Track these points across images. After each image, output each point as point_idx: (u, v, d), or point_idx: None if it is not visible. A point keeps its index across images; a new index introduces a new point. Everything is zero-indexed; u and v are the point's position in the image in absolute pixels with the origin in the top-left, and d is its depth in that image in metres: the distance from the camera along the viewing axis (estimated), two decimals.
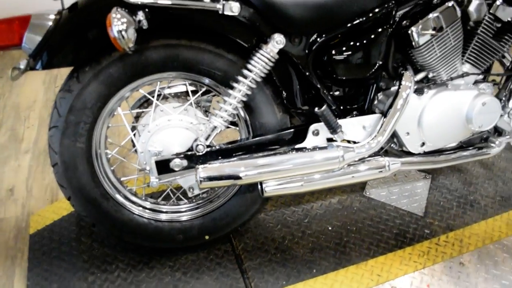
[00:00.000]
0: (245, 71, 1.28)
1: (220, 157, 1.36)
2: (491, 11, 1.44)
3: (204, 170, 1.32)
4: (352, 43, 1.34)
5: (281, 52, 1.28)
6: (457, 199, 1.84)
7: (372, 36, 1.35)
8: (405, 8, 1.38)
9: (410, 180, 1.90)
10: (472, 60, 1.52)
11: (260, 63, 1.27)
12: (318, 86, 1.37)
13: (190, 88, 1.46)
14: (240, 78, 1.29)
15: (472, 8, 1.40)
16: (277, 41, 1.25)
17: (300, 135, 1.41)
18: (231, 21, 1.23)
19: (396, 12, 1.36)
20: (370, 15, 1.32)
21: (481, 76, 1.58)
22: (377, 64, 1.38)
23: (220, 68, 1.31)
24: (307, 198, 1.81)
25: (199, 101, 1.54)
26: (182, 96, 1.51)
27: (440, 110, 1.49)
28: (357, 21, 1.32)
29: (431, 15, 1.35)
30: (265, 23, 1.25)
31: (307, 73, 1.36)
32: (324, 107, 1.34)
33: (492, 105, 1.50)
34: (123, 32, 1.09)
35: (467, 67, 1.53)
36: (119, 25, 1.08)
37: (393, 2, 1.34)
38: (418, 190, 1.86)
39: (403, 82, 1.40)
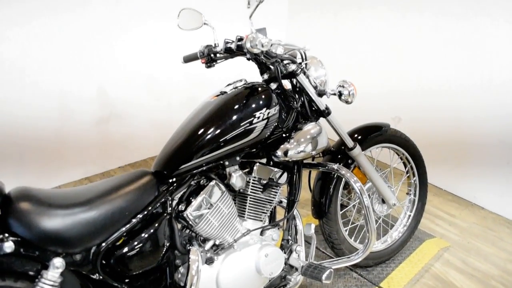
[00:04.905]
0: None
1: None
2: (254, 175, 1.66)
3: None
4: (136, 239, 1.40)
5: (68, 271, 1.30)
6: None
7: (155, 227, 1.43)
8: (178, 194, 1.53)
9: None
10: (252, 216, 1.69)
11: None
12: (116, 284, 1.40)
13: None
14: None
15: (233, 181, 1.59)
16: (57, 266, 1.26)
17: None
18: (10, 258, 1.23)
19: (172, 201, 1.49)
20: (146, 212, 1.41)
21: (268, 225, 1.76)
22: (165, 249, 1.46)
23: None
24: None
25: None
26: None
27: (233, 271, 1.60)
28: (135, 220, 1.39)
29: (199, 198, 1.51)
30: (43, 251, 1.26)
31: (101, 280, 1.38)
32: None
33: (273, 254, 1.67)
34: None
35: (249, 224, 1.69)
36: None
37: (165, 192, 1.47)
38: None
39: (191, 257, 1.50)
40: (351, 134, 2.06)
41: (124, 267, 1.40)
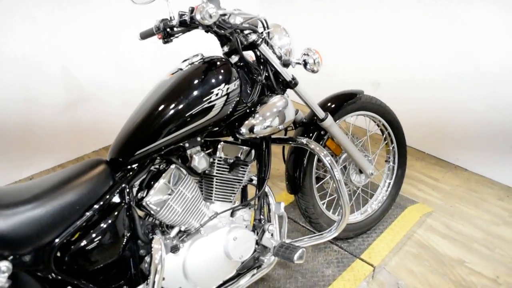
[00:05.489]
0: None
1: None
2: (218, 155, 1.58)
3: None
4: (92, 232, 1.32)
5: (19, 272, 1.23)
6: None
7: (113, 218, 1.35)
8: (137, 181, 1.44)
9: None
10: (220, 198, 1.62)
11: None
12: (75, 282, 1.33)
13: None
14: None
15: (195, 163, 1.50)
16: (2, 270, 1.17)
17: None
18: None
19: (130, 189, 1.41)
20: (101, 203, 1.33)
21: (238, 205, 1.68)
22: (125, 240, 1.39)
23: None
24: None
25: None
26: None
27: (200, 257, 1.53)
28: (89, 212, 1.31)
29: (157, 184, 1.42)
30: None
31: (58, 279, 1.30)
32: None
33: (243, 236, 1.61)
34: None
35: (218, 206, 1.62)
36: None
37: (122, 180, 1.39)
38: None
39: (154, 246, 1.42)
40: (323, 104, 1.97)
41: (82, 263, 1.32)
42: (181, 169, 1.48)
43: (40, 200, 1.24)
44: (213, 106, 1.45)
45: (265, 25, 1.65)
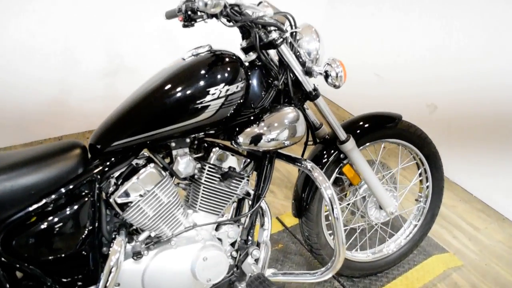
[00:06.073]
0: None
1: None
2: (210, 161, 1.40)
3: None
4: (47, 220, 1.21)
5: None
6: None
7: (74, 208, 1.24)
8: (114, 173, 1.30)
9: None
10: (205, 208, 1.45)
11: None
12: (24, 268, 1.23)
13: None
14: None
15: (177, 166, 1.34)
16: None
17: None
18: None
19: (101, 180, 1.28)
20: (63, 191, 1.22)
21: (224, 220, 1.51)
22: (84, 235, 1.27)
23: None
24: None
25: None
26: None
27: (163, 270, 1.38)
28: (46, 199, 1.20)
29: (129, 182, 1.28)
30: None
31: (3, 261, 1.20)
32: None
33: (215, 258, 1.43)
34: None
35: (201, 216, 1.45)
36: None
37: (94, 170, 1.26)
38: None
39: (113, 247, 1.29)
40: (350, 124, 1.72)
41: (33, 248, 1.23)
42: (160, 170, 1.33)
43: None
44: (205, 107, 1.28)
45: (292, 24, 1.43)
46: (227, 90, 1.29)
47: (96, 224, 1.29)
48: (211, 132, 1.38)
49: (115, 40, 2.94)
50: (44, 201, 1.20)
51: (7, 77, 2.69)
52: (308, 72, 1.46)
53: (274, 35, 1.35)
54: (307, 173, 1.58)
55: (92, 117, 3.05)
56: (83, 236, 1.28)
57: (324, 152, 1.70)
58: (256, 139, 1.37)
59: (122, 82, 3.06)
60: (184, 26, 1.50)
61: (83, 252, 1.30)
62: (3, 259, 1.20)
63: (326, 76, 1.40)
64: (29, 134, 2.93)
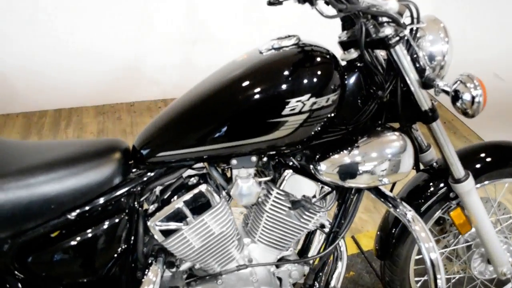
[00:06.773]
0: None
1: None
2: (279, 187, 1.08)
3: None
4: (75, 235, 1.02)
5: None
6: None
7: (105, 224, 1.03)
8: (158, 185, 1.08)
9: None
10: (267, 241, 1.17)
11: None
12: None
13: None
14: None
15: (235, 191, 1.06)
16: None
17: None
18: None
19: (144, 192, 1.07)
20: (100, 201, 1.01)
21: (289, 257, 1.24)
22: (115, 257, 1.06)
23: None
24: None
25: None
26: None
27: None
28: (74, 211, 1.00)
29: (174, 205, 1.04)
30: None
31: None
32: None
33: None
34: None
35: (259, 250, 1.19)
36: None
37: (136, 181, 1.05)
38: None
39: (147, 276, 1.09)
40: (466, 155, 1.30)
41: (52, 269, 1.05)
42: (214, 193, 1.05)
43: (22, 180, 0.95)
44: (282, 123, 0.96)
45: (416, 17, 1.04)
46: (313, 103, 0.96)
47: (131, 245, 1.07)
48: (285, 151, 1.07)
49: (197, 5, 2.69)
50: (68, 215, 0.98)
51: (84, 38, 2.59)
52: (427, 85, 1.06)
53: (388, 31, 0.98)
54: (405, 223, 1.20)
55: (165, 85, 2.90)
56: (114, 258, 1.07)
57: (430, 185, 1.31)
58: (345, 171, 1.03)
59: (200, 52, 2.85)
60: (270, 3, 1.15)
61: (112, 276, 1.09)
62: (18, 274, 1.02)
63: (456, 97, 1.00)
64: (101, 97, 2.84)
